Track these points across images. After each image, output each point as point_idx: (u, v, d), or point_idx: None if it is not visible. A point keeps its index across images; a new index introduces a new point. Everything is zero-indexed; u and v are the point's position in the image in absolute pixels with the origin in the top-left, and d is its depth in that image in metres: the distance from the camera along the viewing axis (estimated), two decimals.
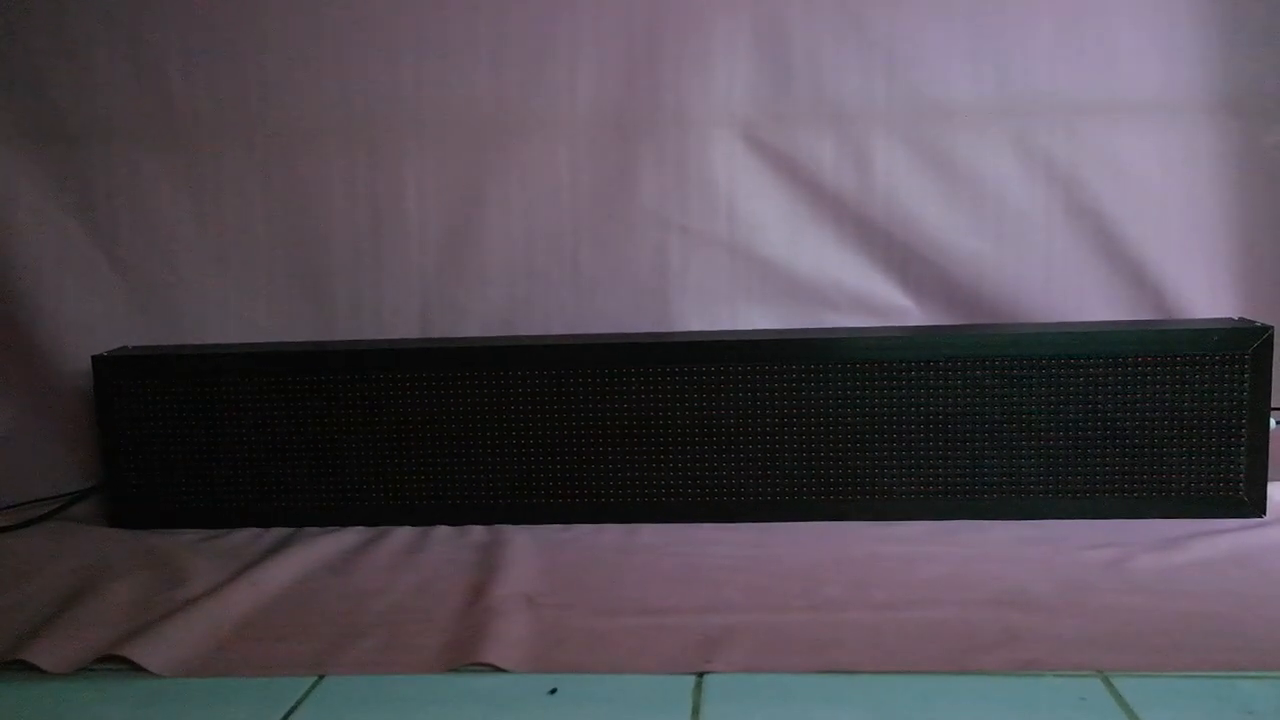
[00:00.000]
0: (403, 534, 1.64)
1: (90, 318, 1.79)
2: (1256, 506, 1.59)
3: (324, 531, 1.65)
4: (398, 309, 1.79)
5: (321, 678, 1.20)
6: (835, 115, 1.71)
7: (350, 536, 1.63)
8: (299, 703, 1.14)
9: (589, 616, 1.33)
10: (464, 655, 1.21)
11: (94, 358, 1.68)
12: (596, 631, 1.29)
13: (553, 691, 1.15)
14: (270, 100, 1.76)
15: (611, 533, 1.62)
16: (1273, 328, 1.57)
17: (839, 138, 1.72)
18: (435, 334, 1.79)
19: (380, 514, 1.68)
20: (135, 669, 1.21)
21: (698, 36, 1.71)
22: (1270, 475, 1.60)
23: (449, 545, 1.60)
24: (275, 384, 1.66)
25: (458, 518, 1.67)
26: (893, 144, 1.71)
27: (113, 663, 1.22)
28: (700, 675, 1.17)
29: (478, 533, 1.64)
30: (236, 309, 1.80)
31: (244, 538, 1.65)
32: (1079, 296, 1.72)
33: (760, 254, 1.75)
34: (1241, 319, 1.66)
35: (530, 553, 1.54)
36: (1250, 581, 1.37)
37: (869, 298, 1.76)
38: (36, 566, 1.55)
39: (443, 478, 1.67)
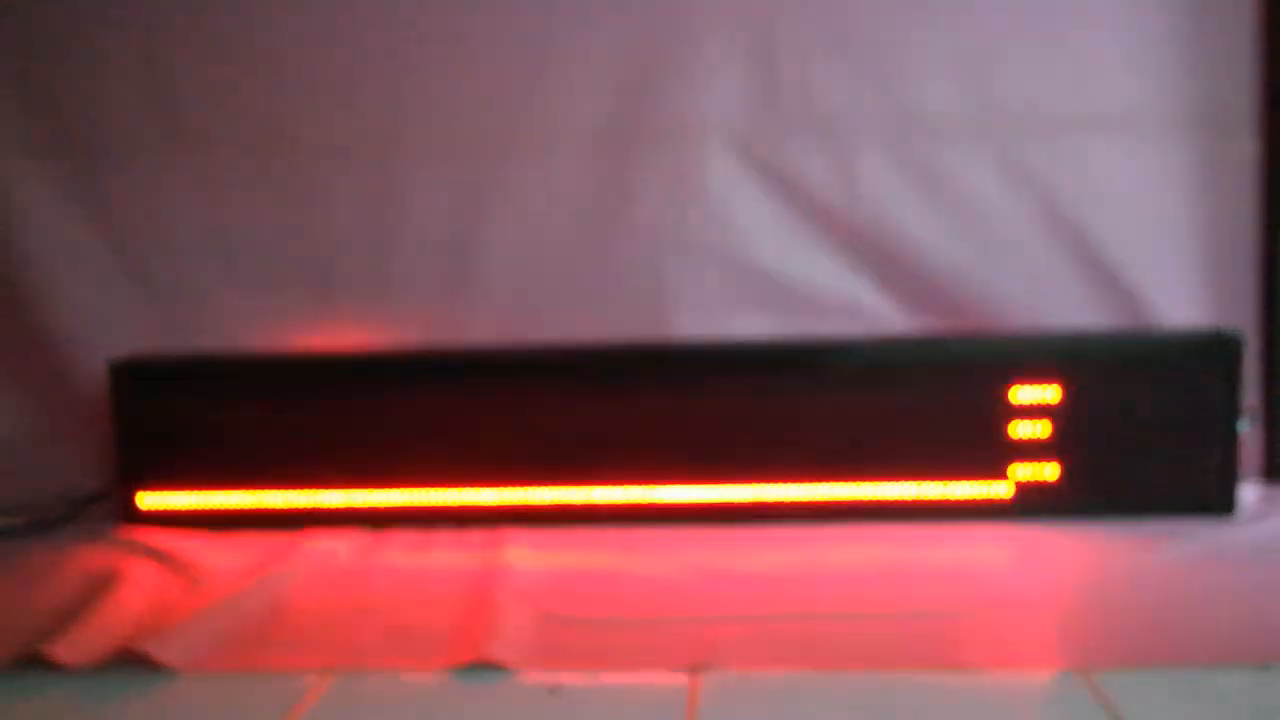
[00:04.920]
0: (407, 535, 1.67)
1: (105, 324, 1.82)
2: (1228, 506, 1.63)
3: (332, 532, 1.67)
4: (402, 317, 1.82)
5: (329, 674, 1.22)
6: (825, 129, 1.75)
7: (357, 537, 1.66)
8: (307, 699, 1.16)
9: (589, 617, 1.35)
10: (468, 654, 1.23)
11: (109, 363, 1.71)
12: (597, 632, 1.31)
13: (554, 690, 1.17)
14: (279, 114, 1.79)
15: (612, 535, 1.64)
16: (1243, 335, 1.61)
17: (829, 151, 1.75)
18: (439, 341, 1.81)
19: (385, 516, 1.70)
20: (150, 666, 1.23)
21: (692, 54, 1.74)
22: (1240, 476, 1.64)
23: (452, 546, 1.62)
24: (284, 388, 1.69)
25: (460, 519, 1.69)
26: (880, 157, 1.74)
27: (129, 658, 1.24)
28: (698, 674, 1.19)
29: (480, 534, 1.66)
30: (246, 315, 1.82)
31: (254, 538, 1.66)
32: (1058, 304, 1.75)
33: (753, 264, 1.78)
34: (1214, 326, 1.70)
35: (532, 554, 1.56)
36: (1222, 578, 1.41)
37: (858, 306, 1.78)
38: (54, 566, 1.57)
39: (446, 480, 1.69)
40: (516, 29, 1.76)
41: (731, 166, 1.77)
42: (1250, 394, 1.67)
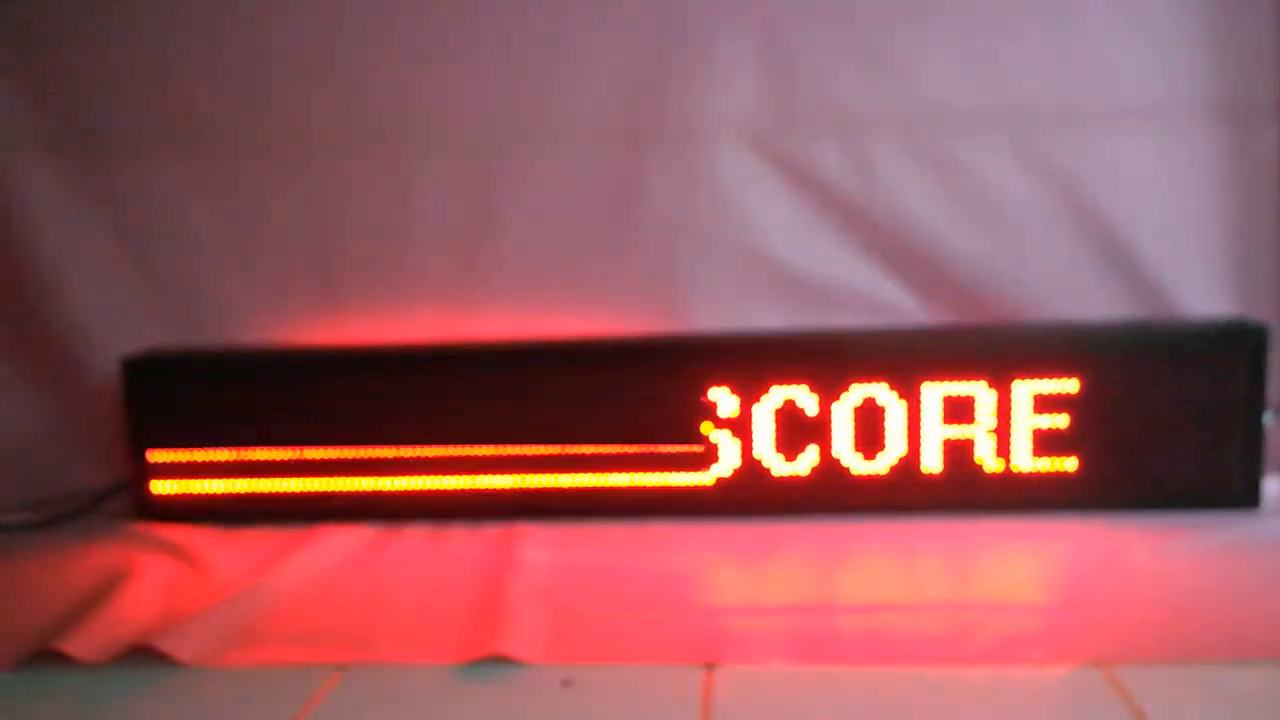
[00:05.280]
0: (420, 529, 1.67)
1: (117, 320, 1.82)
2: (1252, 500, 1.61)
3: (344, 527, 1.67)
4: (412, 311, 1.82)
5: (342, 668, 1.22)
6: (839, 121, 1.73)
7: (369, 532, 1.66)
8: (320, 693, 1.17)
9: (602, 610, 1.36)
10: (480, 647, 1.24)
11: (122, 358, 1.71)
12: (609, 625, 1.32)
13: (567, 683, 1.18)
14: (289, 110, 1.79)
15: (623, 528, 1.64)
16: (1268, 326, 1.59)
17: (843, 143, 1.74)
18: (449, 336, 1.81)
19: (398, 510, 1.70)
20: (163, 660, 1.24)
21: (705, 47, 1.73)
22: (1265, 469, 1.62)
23: (465, 540, 1.63)
24: (295, 383, 1.70)
25: (473, 514, 1.70)
26: (895, 149, 1.73)
27: (141, 653, 1.25)
28: (711, 667, 1.19)
29: (493, 528, 1.66)
30: (257, 311, 1.83)
31: (267, 533, 1.67)
32: (1079, 295, 1.74)
33: (768, 257, 1.77)
34: (1238, 318, 1.68)
35: (544, 548, 1.57)
36: (1245, 573, 1.40)
37: (875, 298, 1.78)
38: (68, 560, 1.58)
39: (458, 475, 1.69)
40: (529, 23, 1.75)
41: (747, 160, 1.76)
42: (1276, 386, 1.65)
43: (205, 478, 1.73)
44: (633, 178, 1.77)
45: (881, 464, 1.64)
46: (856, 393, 1.63)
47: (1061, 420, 1.61)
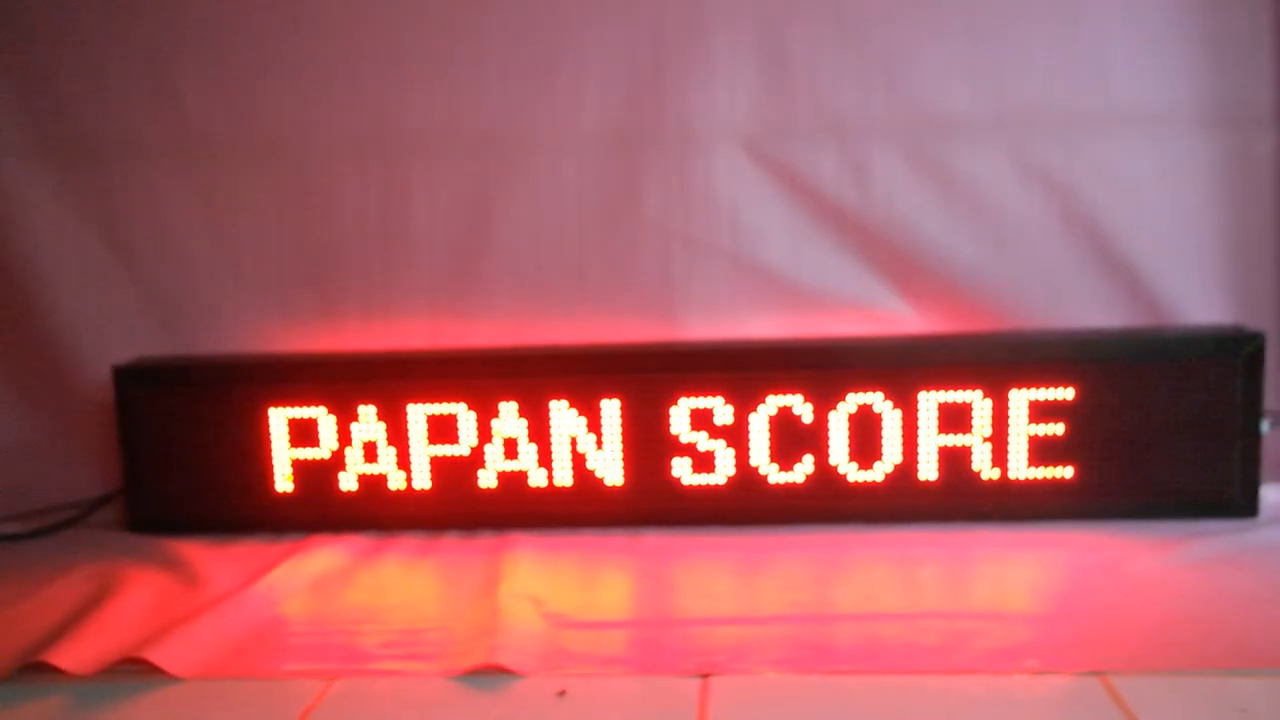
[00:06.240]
0: (413, 539, 1.67)
1: (109, 329, 1.81)
2: (1249, 508, 1.61)
3: (336, 537, 1.66)
4: (407, 319, 1.81)
5: (334, 680, 1.22)
6: (835, 128, 1.73)
7: (362, 542, 1.66)
8: (312, 705, 1.16)
9: (596, 620, 1.36)
10: (474, 658, 1.23)
11: (114, 367, 1.71)
12: (603, 635, 1.31)
13: (561, 694, 1.17)
14: (283, 117, 1.78)
15: (617, 538, 1.64)
16: (1264, 334, 1.59)
17: (839, 150, 1.73)
18: (444, 344, 1.80)
19: (391, 520, 1.70)
20: (154, 671, 1.23)
21: (701, 53, 1.72)
22: (1262, 477, 1.62)
23: (458, 550, 1.62)
24: (288, 393, 1.68)
25: (467, 523, 1.69)
26: (892, 156, 1.72)
27: (132, 665, 1.24)
28: (706, 678, 1.19)
29: (486, 538, 1.66)
30: (250, 320, 1.82)
31: (259, 543, 1.66)
32: (1076, 304, 1.73)
33: (763, 264, 1.76)
34: (1235, 325, 1.68)
35: (538, 557, 1.56)
36: (1244, 582, 1.39)
37: (870, 306, 1.77)
38: (58, 571, 1.57)
39: (451, 483, 1.68)
40: (524, 29, 1.75)
41: (742, 167, 1.75)
42: (1272, 393, 1.65)
43: (197, 487, 1.71)
44: (627, 184, 1.76)
45: (877, 473, 1.64)
46: (852, 401, 1.62)
47: (1058, 428, 1.61)
